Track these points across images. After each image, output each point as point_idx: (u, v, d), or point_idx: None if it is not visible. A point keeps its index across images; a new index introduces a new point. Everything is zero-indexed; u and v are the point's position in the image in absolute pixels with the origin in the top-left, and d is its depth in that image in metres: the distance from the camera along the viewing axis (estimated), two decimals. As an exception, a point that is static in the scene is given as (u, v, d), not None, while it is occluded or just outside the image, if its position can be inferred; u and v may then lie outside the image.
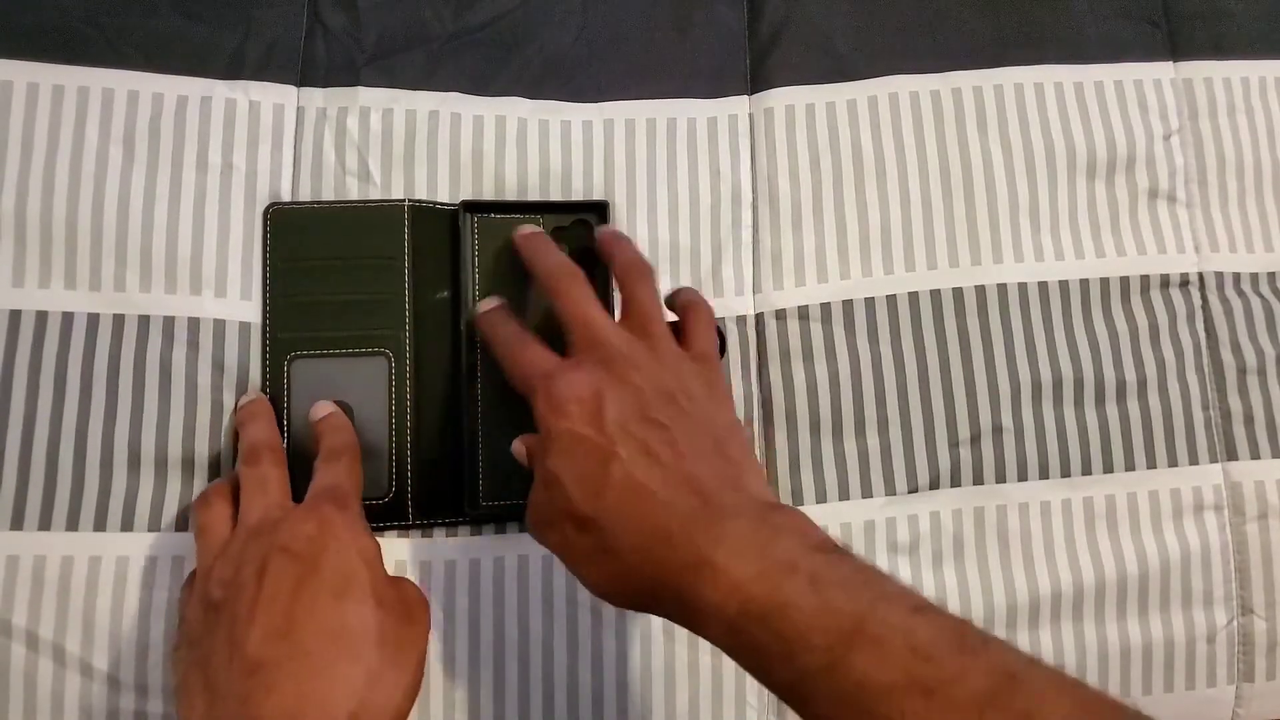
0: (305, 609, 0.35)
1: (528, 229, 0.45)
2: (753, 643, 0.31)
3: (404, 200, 0.46)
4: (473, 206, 0.46)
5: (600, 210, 0.47)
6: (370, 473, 0.43)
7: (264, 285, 0.45)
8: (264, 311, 0.44)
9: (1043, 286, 0.49)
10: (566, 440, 0.35)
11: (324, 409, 0.43)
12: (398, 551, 0.44)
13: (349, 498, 0.39)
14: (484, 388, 0.45)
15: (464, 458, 0.44)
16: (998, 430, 0.47)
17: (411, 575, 0.44)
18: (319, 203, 0.46)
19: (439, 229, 0.46)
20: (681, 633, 0.44)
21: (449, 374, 0.45)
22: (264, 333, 0.44)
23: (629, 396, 0.36)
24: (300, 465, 0.42)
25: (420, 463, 0.44)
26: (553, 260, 0.41)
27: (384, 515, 0.44)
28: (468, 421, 0.45)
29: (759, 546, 0.32)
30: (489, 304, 0.43)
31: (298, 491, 0.40)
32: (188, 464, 0.43)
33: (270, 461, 0.40)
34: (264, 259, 0.45)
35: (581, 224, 0.47)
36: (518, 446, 0.40)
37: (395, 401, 0.44)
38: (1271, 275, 0.51)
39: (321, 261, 0.45)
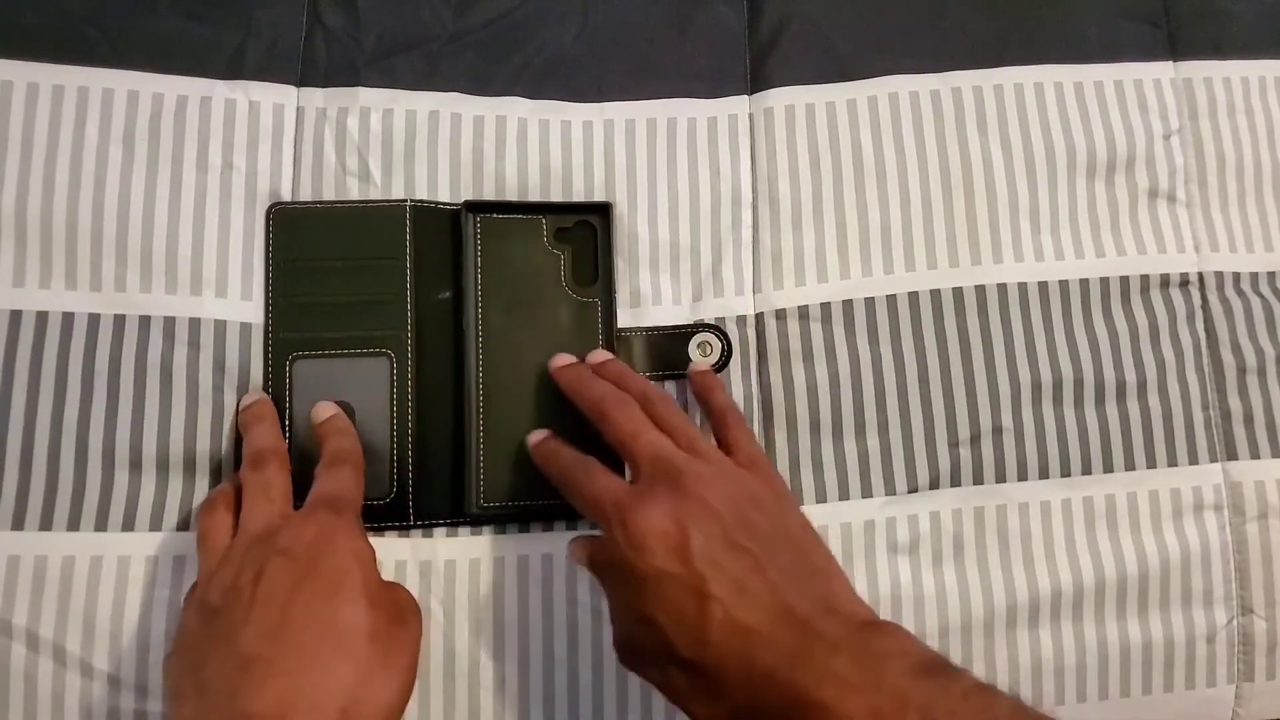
0: (300, 608, 0.35)
1: (563, 360, 0.44)
2: None
3: (406, 200, 0.46)
4: (475, 206, 0.46)
5: (603, 211, 0.47)
6: (372, 473, 0.43)
7: (266, 285, 0.45)
8: (266, 311, 0.44)
9: (1043, 286, 0.49)
10: (657, 581, 0.35)
11: (326, 411, 0.43)
12: (398, 551, 0.44)
13: (348, 504, 0.39)
14: (486, 388, 0.45)
15: (465, 458, 0.44)
16: (998, 430, 0.47)
17: (412, 575, 0.44)
18: (321, 202, 0.46)
19: (440, 229, 0.46)
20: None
21: (451, 374, 0.45)
22: (266, 333, 0.44)
23: (710, 522, 0.35)
24: (302, 465, 0.42)
25: (422, 463, 0.44)
26: (599, 389, 0.42)
27: (385, 515, 0.44)
28: (469, 422, 0.45)
29: (867, 680, 0.32)
30: (540, 435, 0.43)
31: (299, 492, 0.40)
32: (189, 464, 0.43)
33: (274, 467, 0.41)
34: (266, 259, 0.45)
35: (585, 225, 0.47)
36: (576, 550, 0.41)
37: (397, 402, 0.44)
38: (1271, 275, 0.51)
39: (323, 261, 0.45)
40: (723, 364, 0.47)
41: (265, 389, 0.44)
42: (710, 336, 0.47)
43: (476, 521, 0.45)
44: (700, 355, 0.47)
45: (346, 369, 0.44)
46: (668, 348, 0.46)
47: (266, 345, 0.44)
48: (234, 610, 0.35)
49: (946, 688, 0.32)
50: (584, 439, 0.42)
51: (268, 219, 0.45)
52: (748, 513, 0.37)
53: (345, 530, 0.37)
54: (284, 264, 0.45)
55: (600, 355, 0.45)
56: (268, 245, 0.45)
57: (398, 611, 0.37)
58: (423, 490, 0.44)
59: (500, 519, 0.45)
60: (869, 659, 0.32)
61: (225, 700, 0.33)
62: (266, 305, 0.45)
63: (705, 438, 0.41)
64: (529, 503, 0.44)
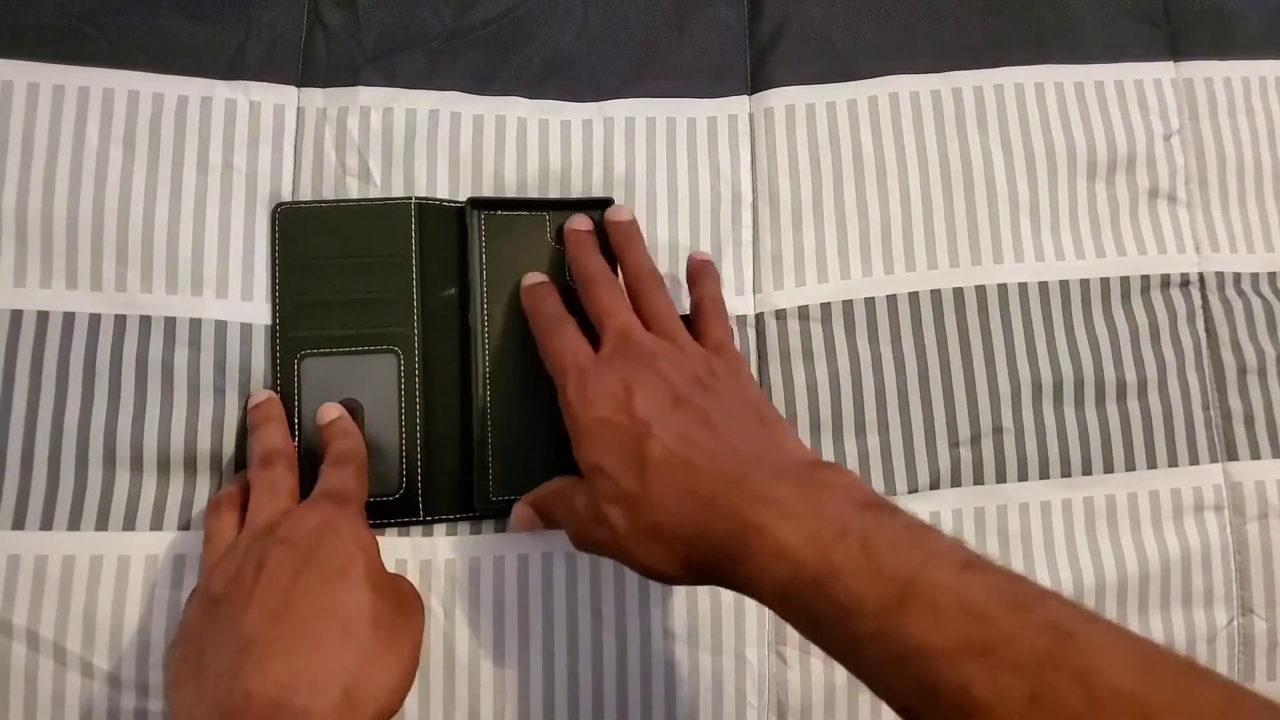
0: (302, 592, 0.35)
1: (579, 222, 0.45)
2: (805, 608, 0.31)
3: (411, 198, 0.46)
4: (480, 203, 0.46)
5: (607, 206, 0.47)
6: (381, 469, 0.43)
7: (273, 284, 0.45)
8: (274, 310, 0.44)
9: (1043, 286, 0.49)
10: (600, 429, 0.36)
11: (331, 412, 0.43)
12: (399, 550, 0.44)
13: (351, 498, 0.39)
14: (493, 383, 0.45)
15: (474, 453, 0.44)
16: (998, 430, 0.47)
17: (412, 574, 0.44)
18: (327, 201, 0.46)
19: (446, 226, 0.46)
20: (681, 631, 0.45)
21: (458, 370, 0.45)
22: (274, 331, 0.44)
23: (659, 385, 0.37)
24: (311, 462, 0.42)
25: (430, 459, 0.44)
26: (594, 264, 0.43)
27: (394, 511, 0.44)
28: (477, 417, 0.45)
29: (807, 507, 0.32)
30: (535, 278, 0.44)
31: (306, 489, 0.41)
32: (190, 464, 0.43)
33: (282, 467, 0.41)
34: (273, 258, 0.45)
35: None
36: (521, 511, 0.42)
37: (405, 398, 0.44)
38: (1272, 275, 0.51)
39: (330, 260, 0.45)
40: None
41: (274, 387, 0.44)
42: None
43: (486, 516, 0.45)
44: None
45: (354, 366, 0.44)
46: None
47: (274, 344, 0.44)
48: (235, 597, 0.35)
49: (889, 520, 0.32)
50: None
51: (274, 218, 0.45)
52: (701, 380, 0.38)
53: (348, 520, 0.38)
54: (291, 263, 0.45)
55: (620, 212, 0.46)
56: (274, 244, 0.45)
57: (401, 600, 0.38)
58: (432, 486, 0.44)
59: (509, 513, 0.45)
60: (810, 489, 0.33)
61: (226, 681, 0.33)
62: (273, 304, 0.45)
63: (684, 326, 0.42)
64: None
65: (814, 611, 0.31)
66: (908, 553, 0.30)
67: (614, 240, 0.45)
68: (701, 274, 0.45)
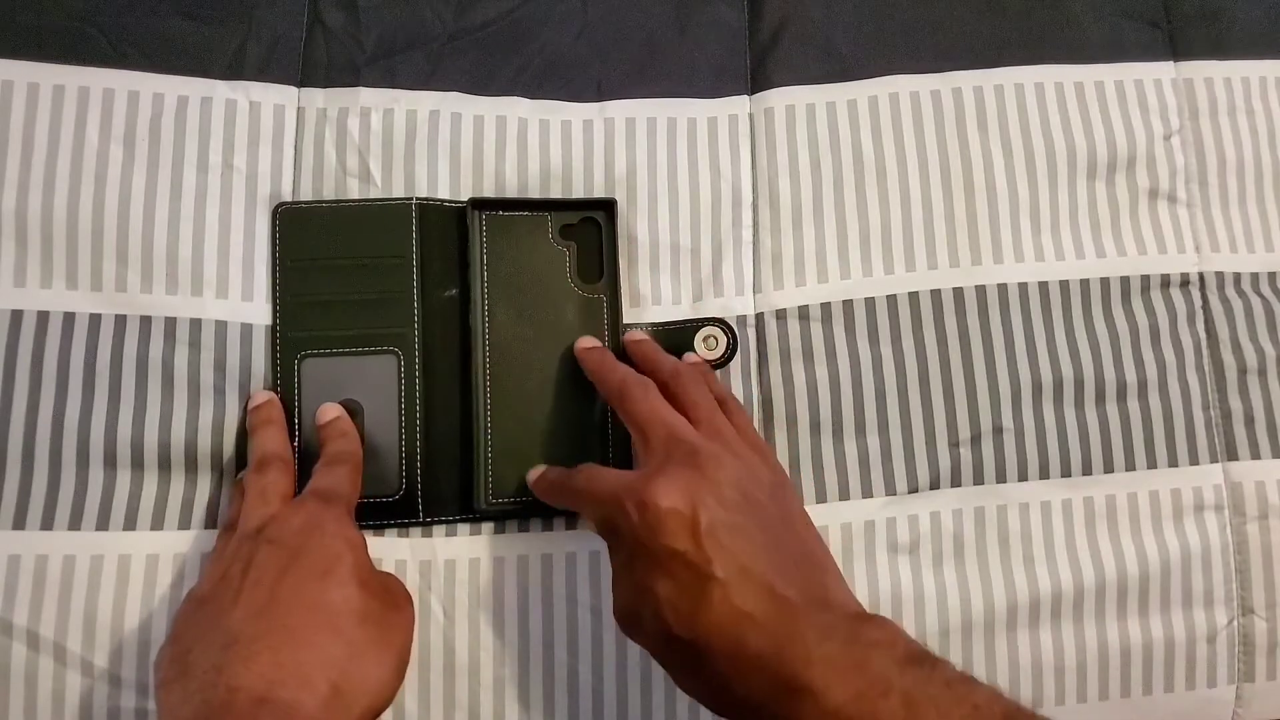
0: (288, 589, 0.35)
1: (588, 342, 0.45)
2: None
3: (411, 198, 0.46)
4: (481, 204, 0.46)
5: (607, 208, 0.47)
6: (380, 470, 0.43)
7: (273, 284, 0.45)
8: (274, 310, 0.44)
9: (1043, 286, 0.49)
10: (667, 558, 0.35)
11: (330, 413, 0.43)
12: (398, 550, 0.44)
13: (340, 497, 0.39)
14: (494, 385, 0.45)
15: (473, 455, 0.45)
16: (998, 430, 0.47)
17: (412, 574, 0.44)
18: (327, 201, 0.46)
19: (446, 227, 0.46)
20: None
21: (458, 372, 0.45)
22: (274, 331, 0.44)
23: (719, 503, 0.36)
24: (310, 463, 0.42)
25: (430, 460, 0.44)
26: (619, 371, 0.42)
27: (394, 512, 0.44)
28: (477, 419, 0.45)
29: (853, 668, 0.32)
30: (536, 474, 0.44)
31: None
32: (190, 463, 0.43)
33: (276, 472, 0.41)
34: (273, 258, 0.45)
35: (589, 221, 0.47)
36: (535, 477, 0.42)
37: (405, 399, 0.44)
38: (1272, 275, 0.51)
39: (330, 260, 0.45)
40: (728, 357, 0.47)
41: (274, 388, 0.44)
42: (716, 330, 0.47)
43: (485, 518, 0.45)
44: (706, 349, 0.47)
45: (355, 367, 0.44)
46: (673, 342, 0.46)
47: (274, 344, 0.44)
48: (222, 597, 0.36)
49: (930, 676, 0.32)
50: (591, 429, 0.43)
51: (274, 218, 0.45)
52: (755, 495, 0.37)
53: (335, 519, 0.38)
54: (291, 263, 0.45)
55: (636, 335, 0.46)
56: (274, 244, 0.45)
57: (389, 597, 0.38)
58: (432, 487, 0.44)
59: (509, 515, 0.45)
60: (857, 647, 0.33)
61: (211, 678, 0.33)
62: (274, 304, 0.45)
63: (724, 417, 0.41)
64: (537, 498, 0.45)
65: None
66: (949, 709, 0.31)
67: (637, 356, 0.44)
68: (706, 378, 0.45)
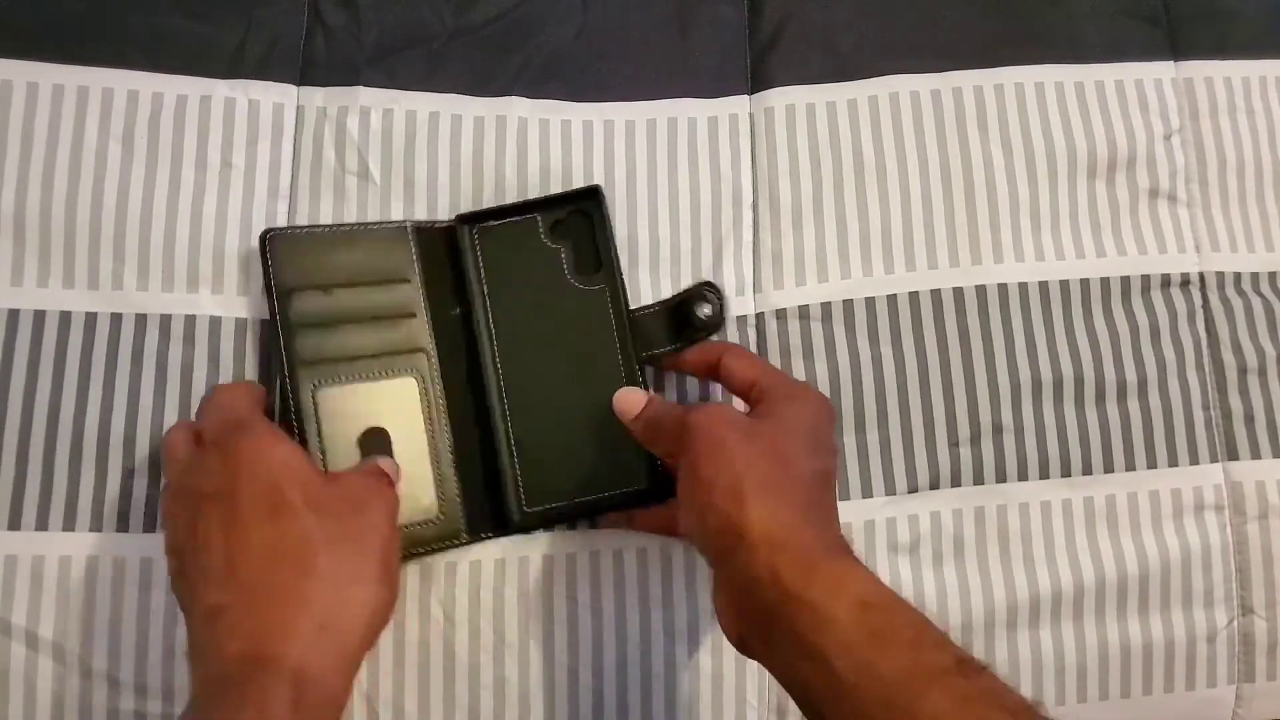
0: (239, 545, 0.34)
1: (628, 404, 0.42)
2: (884, 624, 0.32)
3: (406, 221, 0.45)
4: (469, 219, 0.46)
5: (594, 196, 0.46)
6: (416, 494, 0.42)
7: (272, 314, 0.43)
8: (279, 341, 0.42)
9: (1043, 286, 0.49)
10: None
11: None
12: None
13: (245, 412, 0.38)
14: (511, 394, 0.45)
15: (500, 468, 0.44)
16: (998, 430, 0.47)
17: (412, 576, 0.44)
18: (319, 227, 0.45)
19: (439, 248, 0.45)
20: (682, 632, 0.45)
21: (474, 389, 0.45)
22: (282, 363, 0.42)
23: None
24: None
25: (463, 480, 0.44)
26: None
27: (437, 538, 0.43)
28: (497, 432, 0.44)
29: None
30: (631, 400, 0.42)
31: None
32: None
33: (180, 426, 0.39)
34: (268, 286, 0.43)
35: (579, 214, 0.46)
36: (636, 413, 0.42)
37: (430, 422, 0.43)
38: (1272, 275, 0.51)
39: (331, 286, 0.43)
40: (721, 314, 0.46)
41: (288, 419, 0.42)
42: (710, 295, 0.46)
43: (526, 529, 0.44)
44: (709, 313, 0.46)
45: (374, 395, 0.43)
46: (676, 316, 0.46)
47: (284, 377, 0.42)
48: (187, 569, 0.35)
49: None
50: (613, 424, 0.42)
51: (263, 245, 0.43)
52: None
53: (256, 443, 0.36)
54: (287, 291, 0.43)
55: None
56: (267, 272, 0.43)
57: (349, 504, 0.36)
58: (469, 506, 0.44)
59: (546, 522, 0.44)
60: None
61: (210, 654, 0.33)
62: (277, 334, 0.42)
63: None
64: (571, 501, 0.44)
65: (891, 631, 0.33)
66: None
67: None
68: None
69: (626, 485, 0.44)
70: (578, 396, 0.45)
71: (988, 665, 0.32)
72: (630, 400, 0.42)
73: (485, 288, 0.45)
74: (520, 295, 0.45)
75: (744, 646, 0.36)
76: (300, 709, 0.32)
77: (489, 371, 0.45)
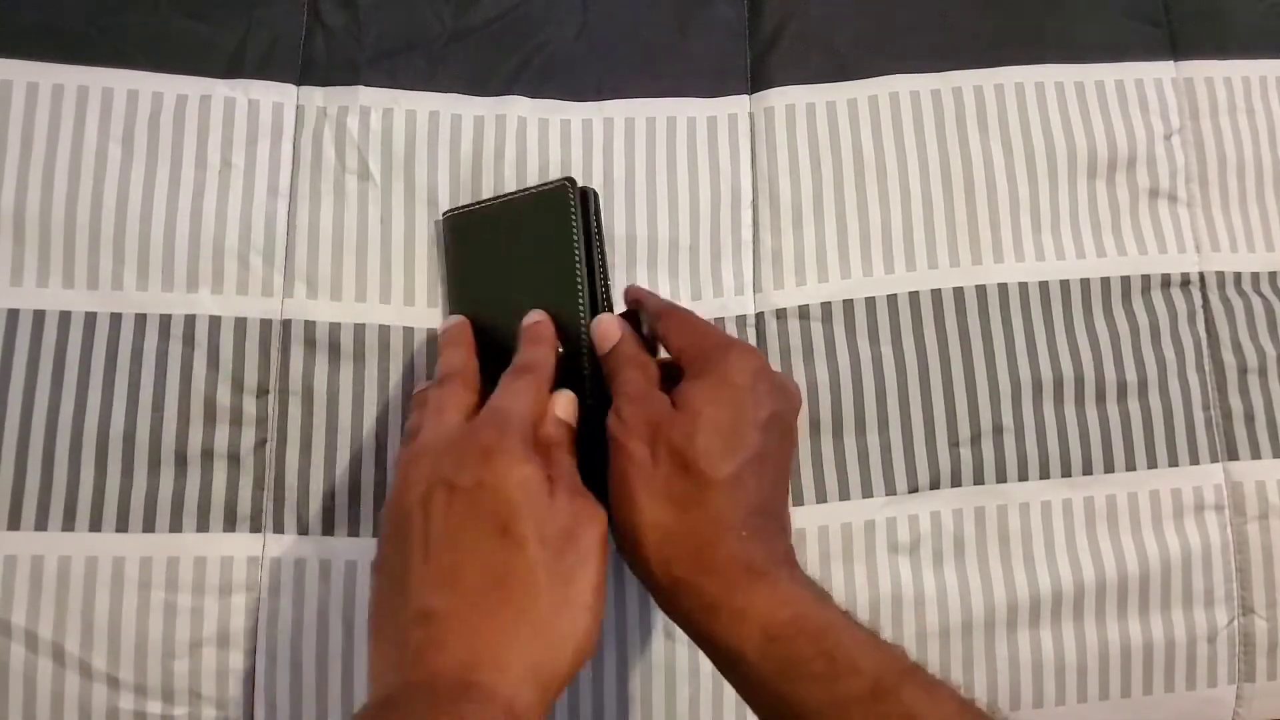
0: (468, 552, 0.34)
1: (607, 329, 0.41)
2: (791, 656, 0.32)
3: (565, 180, 0.43)
4: (449, 214, 0.46)
5: (569, 185, 0.43)
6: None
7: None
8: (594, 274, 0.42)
9: (1043, 286, 0.49)
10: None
11: (534, 316, 0.41)
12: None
13: (516, 419, 0.37)
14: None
15: None
16: (998, 430, 0.47)
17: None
18: (484, 201, 0.45)
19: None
20: (682, 632, 0.44)
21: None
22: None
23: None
24: None
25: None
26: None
27: None
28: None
29: (813, 584, 0.34)
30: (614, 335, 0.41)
31: None
32: (180, 461, 0.43)
33: (459, 384, 0.39)
34: (446, 266, 0.44)
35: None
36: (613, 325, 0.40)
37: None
38: (1272, 275, 0.51)
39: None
40: None
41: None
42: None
43: None
44: None
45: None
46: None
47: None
48: (408, 546, 0.34)
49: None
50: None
51: (441, 228, 0.45)
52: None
53: (507, 454, 0.35)
54: (461, 270, 0.44)
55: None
56: (445, 253, 0.44)
57: (567, 535, 0.35)
58: None
59: None
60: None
61: (410, 654, 0.32)
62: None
63: None
64: None
65: (802, 663, 0.32)
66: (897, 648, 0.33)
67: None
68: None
69: None
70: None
71: (914, 669, 0.31)
72: (605, 331, 0.40)
73: (458, 282, 0.45)
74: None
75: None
76: None
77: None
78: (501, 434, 0.35)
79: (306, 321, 0.45)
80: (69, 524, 0.42)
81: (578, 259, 0.42)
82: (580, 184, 0.44)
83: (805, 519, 0.46)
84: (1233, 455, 0.48)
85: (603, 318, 0.41)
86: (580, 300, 0.42)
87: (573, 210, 0.42)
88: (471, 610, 0.33)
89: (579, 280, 0.42)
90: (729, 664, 0.33)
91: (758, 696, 0.33)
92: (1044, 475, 0.47)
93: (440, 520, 0.34)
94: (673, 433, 0.35)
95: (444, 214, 0.46)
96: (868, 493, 0.46)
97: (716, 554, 0.34)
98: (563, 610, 0.34)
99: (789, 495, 0.39)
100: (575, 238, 0.42)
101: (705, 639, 0.34)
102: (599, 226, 0.44)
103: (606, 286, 0.44)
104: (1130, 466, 0.48)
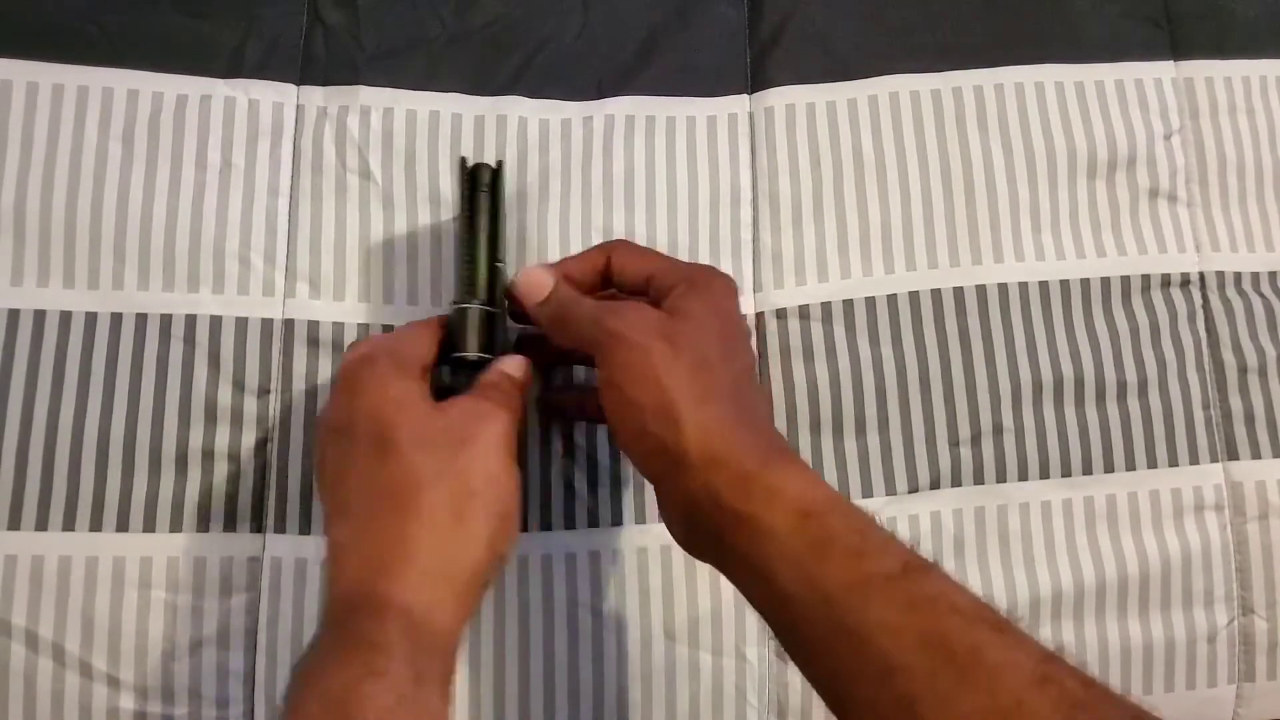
0: (353, 483, 0.35)
1: (536, 278, 0.39)
2: (824, 532, 0.31)
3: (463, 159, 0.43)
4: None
5: (491, 171, 0.43)
6: None
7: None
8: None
9: (1043, 286, 0.49)
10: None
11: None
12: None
13: (379, 354, 0.37)
14: None
15: None
16: (998, 430, 0.47)
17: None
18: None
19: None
20: (682, 631, 0.44)
21: None
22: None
23: None
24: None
25: None
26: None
27: None
28: None
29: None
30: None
31: None
32: (181, 462, 0.43)
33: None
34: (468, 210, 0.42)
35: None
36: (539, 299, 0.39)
37: None
38: (1272, 275, 0.51)
39: None
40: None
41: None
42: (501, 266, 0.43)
43: None
44: None
45: None
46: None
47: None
48: (324, 499, 0.37)
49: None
50: None
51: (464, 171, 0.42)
52: None
53: (376, 376, 0.36)
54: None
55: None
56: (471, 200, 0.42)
57: (453, 437, 0.35)
58: None
59: None
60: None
61: (325, 596, 0.35)
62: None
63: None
64: None
65: (831, 539, 0.32)
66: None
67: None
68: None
69: None
70: None
71: (937, 564, 0.31)
72: (535, 280, 0.39)
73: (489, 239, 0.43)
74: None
75: (694, 553, 0.36)
76: (415, 647, 0.32)
77: None
78: (369, 365, 0.36)
79: (309, 321, 0.45)
80: (69, 524, 0.42)
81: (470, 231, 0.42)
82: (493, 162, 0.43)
83: (805, 519, 0.46)
84: (1233, 455, 0.49)
85: (529, 269, 0.39)
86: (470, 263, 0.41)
87: (464, 188, 0.42)
88: (365, 530, 0.34)
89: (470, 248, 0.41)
90: (758, 540, 0.32)
91: (782, 580, 0.31)
92: (1044, 475, 0.47)
93: (332, 465, 0.36)
94: (683, 330, 0.35)
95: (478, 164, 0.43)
96: (868, 493, 0.47)
97: (743, 435, 0.33)
98: (466, 507, 0.34)
99: None
100: (464, 209, 0.42)
101: (735, 514, 0.32)
102: (495, 199, 0.43)
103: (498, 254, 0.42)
104: (1130, 466, 0.48)
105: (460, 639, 0.34)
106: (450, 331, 0.40)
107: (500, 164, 0.44)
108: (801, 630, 0.31)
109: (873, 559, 0.30)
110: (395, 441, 0.35)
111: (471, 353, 0.40)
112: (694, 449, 0.33)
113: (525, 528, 0.45)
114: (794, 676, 0.45)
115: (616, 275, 0.40)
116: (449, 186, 0.47)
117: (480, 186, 0.43)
